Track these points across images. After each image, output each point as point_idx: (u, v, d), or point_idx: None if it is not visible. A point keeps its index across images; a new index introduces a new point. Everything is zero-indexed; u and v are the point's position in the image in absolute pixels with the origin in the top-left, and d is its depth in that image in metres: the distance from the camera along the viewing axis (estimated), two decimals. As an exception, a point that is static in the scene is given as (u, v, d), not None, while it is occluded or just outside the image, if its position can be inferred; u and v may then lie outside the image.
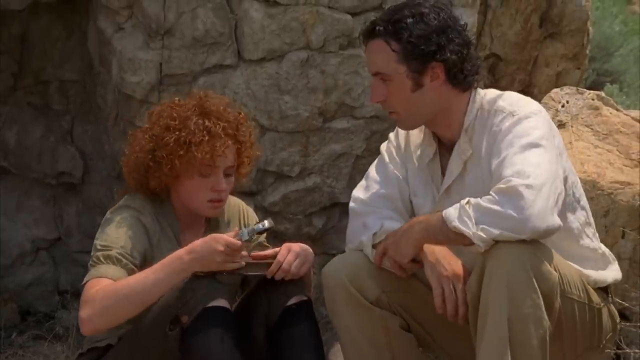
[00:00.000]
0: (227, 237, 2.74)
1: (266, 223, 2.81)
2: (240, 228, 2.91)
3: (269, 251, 2.85)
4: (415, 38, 2.70)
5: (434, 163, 2.86)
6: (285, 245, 2.83)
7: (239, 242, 2.75)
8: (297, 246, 2.83)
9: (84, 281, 2.76)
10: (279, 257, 2.79)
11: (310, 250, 2.87)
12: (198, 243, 2.73)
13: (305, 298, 2.83)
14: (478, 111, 2.78)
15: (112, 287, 2.70)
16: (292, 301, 2.81)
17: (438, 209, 2.67)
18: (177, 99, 2.94)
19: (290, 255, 2.80)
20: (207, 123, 2.83)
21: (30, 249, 4.50)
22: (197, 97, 2.92)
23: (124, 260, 2.76)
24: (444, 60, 2.72)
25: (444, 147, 2.85)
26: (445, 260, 2.66)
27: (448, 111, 2.78)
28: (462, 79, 2.76)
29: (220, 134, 2.84)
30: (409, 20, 2.70)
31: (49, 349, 3.98)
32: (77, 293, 4.38)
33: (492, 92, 2.82)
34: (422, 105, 2.76)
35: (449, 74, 2.74)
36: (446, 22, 2.74)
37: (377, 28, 2.74)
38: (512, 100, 2.77)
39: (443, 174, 2.84)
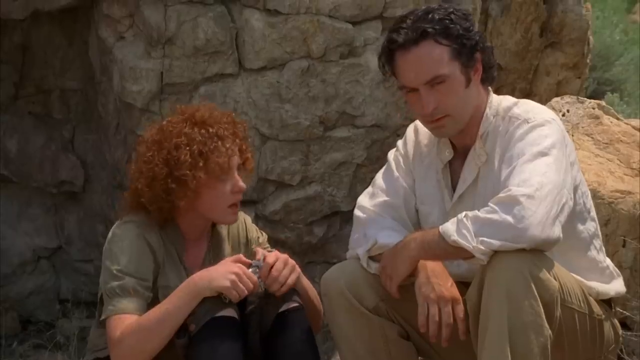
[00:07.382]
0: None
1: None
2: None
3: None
4: (464, 31, 2.72)
5: (447, 169, 2.85)
6: (274, 253, 2.85)
7: (255, 278, 2.77)
8: (284, 256, 2.83)
9: (105, 315, 2.77)
10: (268, 259, 2.80)
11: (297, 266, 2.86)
12: (211, 267, 2.77)
13: (297, 304, 2.83)
14: (494, 118, 2.79)
15: (135, 326, 2.72)
16: (284, 308, 2.81)
17: (450, 216, 2.66)
18: (166, 120, 2.90)
19: (279, 262, 2.80)
20: (210, 129, 2.84)
21: (31, 257, 4.51)
22: (181, 112, 2.90)
23: (140, 290, 2.78)
24: (484, 50, 2.76)
25: (456, 153, 2.85)
26: (435, 279, 2.63)
27: (475, 112, 2.79)
28: (492, 72, 2.80)
29: (227, 135, 2.86)
30: (452, 16, 2.73)
31: (49, 358, 3.98)
32: (77, 302, 4.40)
33: (508, 100, 2.83)
34: (470, 102, 2.76)
35: (484, 65, 2.77)
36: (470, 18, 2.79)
37: (426, 30, 2.70)
38: (527, 107, 2.78)
39: (454, 180, 2.84)
